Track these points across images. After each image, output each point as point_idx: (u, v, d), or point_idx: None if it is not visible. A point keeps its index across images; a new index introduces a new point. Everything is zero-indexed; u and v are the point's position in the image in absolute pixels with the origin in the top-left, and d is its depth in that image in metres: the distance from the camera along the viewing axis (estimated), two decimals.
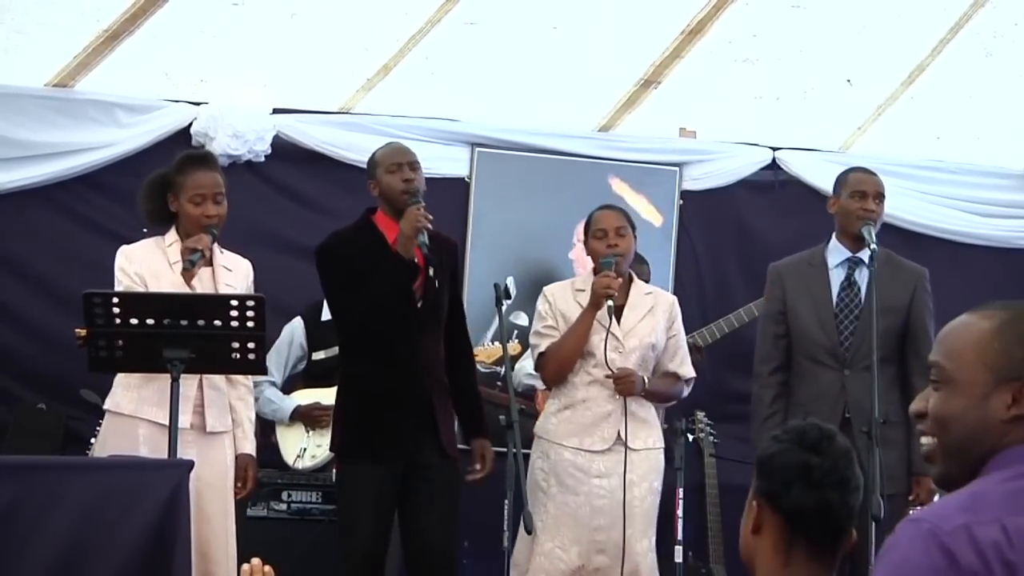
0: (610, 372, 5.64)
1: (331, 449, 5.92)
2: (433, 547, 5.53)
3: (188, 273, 5.17)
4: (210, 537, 5.24)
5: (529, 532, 5.36)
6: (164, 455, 4.94)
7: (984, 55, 7.74)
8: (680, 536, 6.62)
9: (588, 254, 5.92)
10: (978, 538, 2.12)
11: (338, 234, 5.71)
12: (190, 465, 4.69)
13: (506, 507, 5.39)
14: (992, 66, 7.79)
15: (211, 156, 5.83)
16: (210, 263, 5.36)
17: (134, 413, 5.22)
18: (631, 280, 5.89)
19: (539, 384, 7.04)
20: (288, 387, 7.08)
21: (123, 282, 5.28)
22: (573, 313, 5.76)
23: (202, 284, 5.32)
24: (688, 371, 5.94)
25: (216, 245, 5.44)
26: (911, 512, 6.10)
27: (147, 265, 5.31)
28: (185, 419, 5.18)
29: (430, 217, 5.45)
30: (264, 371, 5.19)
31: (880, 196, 5.86)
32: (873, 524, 5.14)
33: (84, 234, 7.33)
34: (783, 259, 6.08)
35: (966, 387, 2.29)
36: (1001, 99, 7.92)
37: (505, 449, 5.39)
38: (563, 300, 5.85)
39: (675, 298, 6.06)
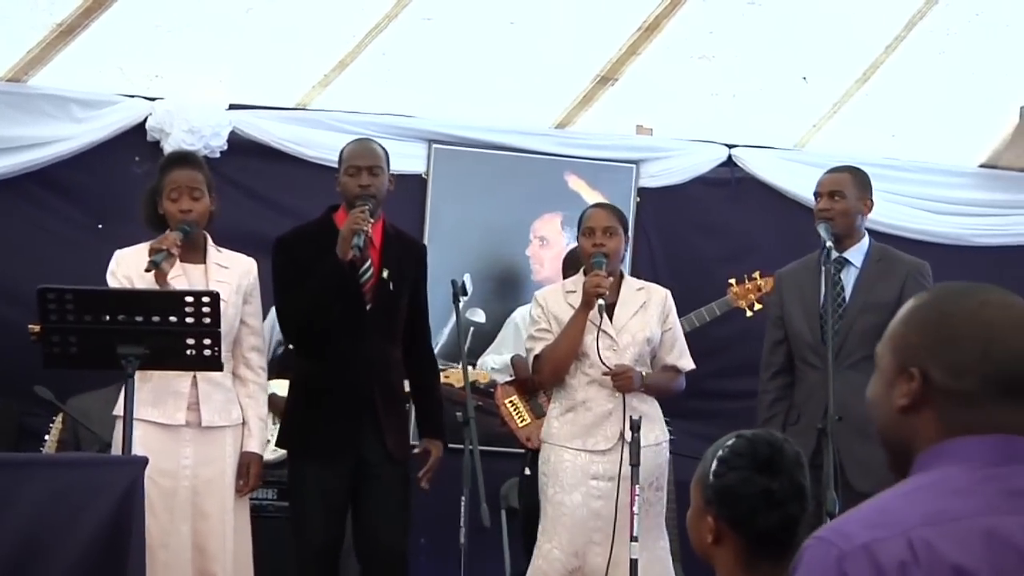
0: (607, 370, 5.63)
1: (277, 444, 5.91)
2: (383, 544, 5.53)
3: (159, 273, 5.15)
4: (207, 533, 5.26)
5: (486, 527, 5.33)
6: (159, 455, 4.96)
7: (938, 52, 7.79)
8: (635, 533, 6.62)
9: (579, 251, 5.92)
10: (880, 560, 1.96)
11: (296, 229, 5.75)
12: (144, 461, 4.67)
13: (462, 504, 5.38)
14: (946, 63, 7.84)
15: (191, 155, 5.86)
16: (203, 260, 5.41)
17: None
18: (622, 277, 5.88)
19: (500, 378, 7.04)
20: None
21: (112, 284, 5.30)
22: (565, 315, 5.75)
23: (191, 283, 5.32)
24: (687, 363, 5.92)
25: (212, 244, 5.49)
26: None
27: (134, 267, 5.30)
28: (180, 416, 5.23)
29: (370, 221, 5.44)
30: (220, 367, 5.16)
31: (833, 193, 5.87)
32: (828, 519, 5.16)
33: (37, 229, 7.29)
34: (788, 264, 6.12)
35: (879, 373, 2.17)
36: (955, 97, 7.97)
37: (461, 446, 5.39)
38: (555, 302, 5.83)
39: (668, 292, 5.99)
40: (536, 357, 5.82)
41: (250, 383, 5.49)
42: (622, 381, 5.63)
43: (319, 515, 5.47)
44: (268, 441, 6.87)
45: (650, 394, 5.80)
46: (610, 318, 5.71)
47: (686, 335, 6.96)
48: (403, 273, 5.66)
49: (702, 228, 8.09)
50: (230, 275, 5.45)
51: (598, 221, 5.77)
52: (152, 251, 5.19)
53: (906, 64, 7.80)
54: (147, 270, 5.15)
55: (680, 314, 7.16)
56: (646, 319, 5.80)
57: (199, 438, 5.29)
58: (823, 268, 5.79)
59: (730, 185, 8.09)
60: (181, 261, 5.32)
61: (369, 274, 5.59)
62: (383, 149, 5.74)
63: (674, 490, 6.96)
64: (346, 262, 5.41)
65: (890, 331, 2.16)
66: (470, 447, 5.31)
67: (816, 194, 5.94)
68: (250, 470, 5.42)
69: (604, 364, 5.63)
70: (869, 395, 2.19)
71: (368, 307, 5.57)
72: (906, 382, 2.10)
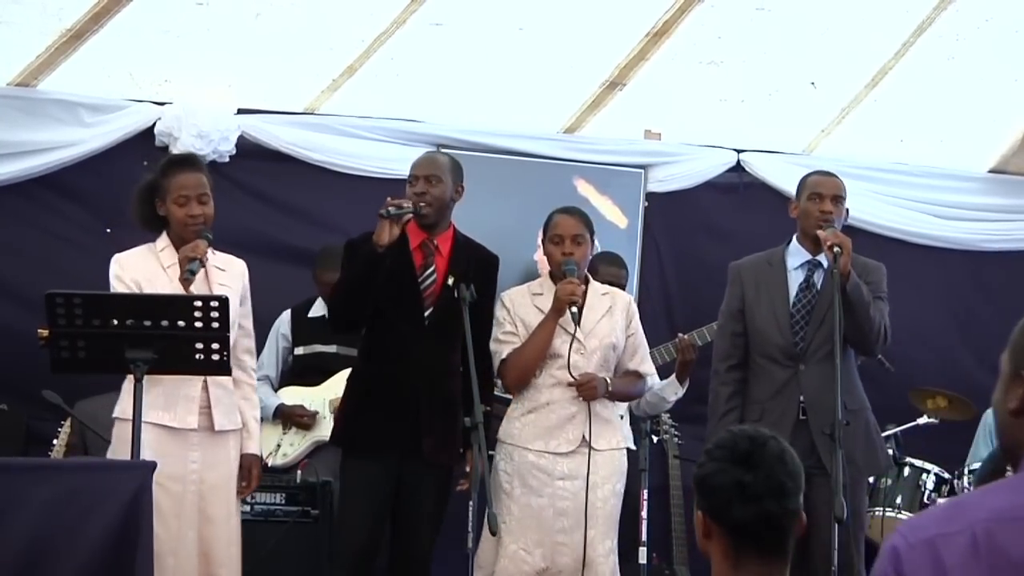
0: (573, 380, 5.64)
1: (331, 441, 5.97)
2: (416, 555, 5.63)
3: (187, 283, 5.16)
4: (213, 538, 5.24)
5: (493, 533, 5.36)
6: (168, 459, 4.96)
7: (947, 58, 7.78)
8: (644, 537, 6.63)
9: (544, 255, 5.92)
10: (942, 555, 2.00)
11: (365, 234, 5.70)
12: (152, 466, 4.66)
13: (470, 508, 5.38)
14: (955, 69, 7.83)
15: (195, 157, 5.85)
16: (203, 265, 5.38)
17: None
18: (587, 281, 5.89)
19: None
20: (283, 381, 7.09)
21: (119, 289, 5.23)
22: (532, 318, 5.76)
23: (196, 286, 5.28)
24: (649, 368, 5.96)
25: (209, 247, 5.44)
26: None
27: (141, 271, 5.28)
28: (192, 420, 5.21)
29: (406, 203, 5.48)
30: (228, 372, 5.15)
31: (838, 198, 5.89)
32: (836, 525, 5.16)
33: (45, 234, 7.30)
34: (743, 258, 6.12)
35: (1000, 379, 2.21)
36: (964, 102, 7.97)
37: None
38: (521, 305, 5.84)
39: (631, 297, 6.06)
40: (503, 361, 5.81)
41: (244, 385, 5.47)
42: (587, 391, 5.67)
43: (364, 518, 5.53)
44: (278, 446, 6.90)
45: (613, 400, 5.85)
46: (578, 322, 5.71)
47: (702, 348, 6.96)
48: (468, 282, 5.60)
49: (710, 233, 8.08)
50: (229, 278, 5.43)
51: (567, 229, 5.78)
52: (186, 259, 5.18)
53: (915, 69, 7.79)
54: (184, 279, 5.14)
55: (692, 326, 7.15)
56: (612, 324, 5.83)
57: (206, 442, 5.26)
58: (827, 272, 5.79)
59: (738, 190, 8.09)
60: None
61: (432, 279, 5.61)
62: (450, 159, 5.79)
63: (681, 495, 6.97)
64: (380, 247, 5.42)
65: (1011, 338, 2.21)
66: (479, 451, 5.31)
67: (816, 195, 5.88)
68: (252, 472, 5.42)
69: (571, 371, 5.65)
70: (992, 399, 2.24)
71: (428, 312, 5.59)
72: (1019, 386, 2.15)
